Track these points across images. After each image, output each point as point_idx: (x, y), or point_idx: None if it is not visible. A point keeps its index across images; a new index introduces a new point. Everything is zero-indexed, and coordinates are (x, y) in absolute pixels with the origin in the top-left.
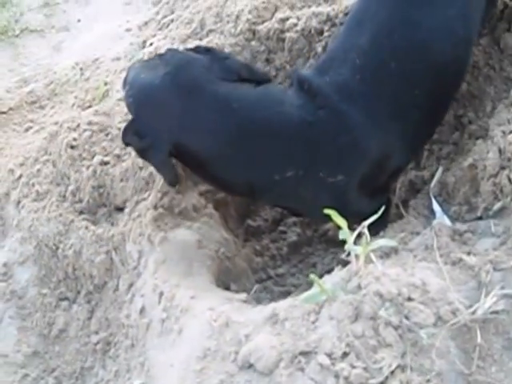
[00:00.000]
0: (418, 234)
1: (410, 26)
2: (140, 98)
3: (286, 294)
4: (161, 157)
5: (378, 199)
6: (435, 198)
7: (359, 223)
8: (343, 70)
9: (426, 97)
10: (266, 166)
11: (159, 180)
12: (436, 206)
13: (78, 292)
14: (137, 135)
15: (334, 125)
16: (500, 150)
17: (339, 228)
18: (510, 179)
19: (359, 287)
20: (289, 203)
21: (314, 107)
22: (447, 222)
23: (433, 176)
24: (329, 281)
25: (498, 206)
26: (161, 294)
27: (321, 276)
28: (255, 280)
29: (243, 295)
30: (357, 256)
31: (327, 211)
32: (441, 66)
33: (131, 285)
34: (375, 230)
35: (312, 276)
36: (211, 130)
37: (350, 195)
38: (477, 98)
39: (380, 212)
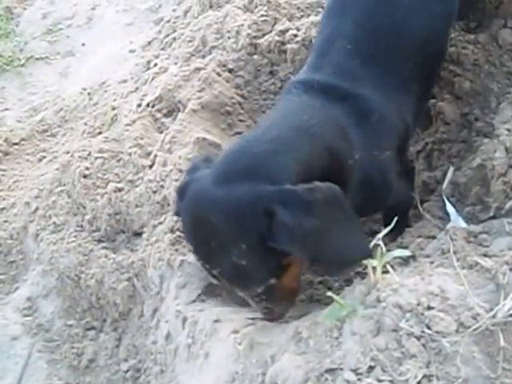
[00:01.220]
0: (433, 237)
1: (389, 7)
2: None
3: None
4: None
5: (409, 173)
6: (448, 199)
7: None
8: (340, 60)
9: (419, 69)
10: None
11: (173, 202)
12: (450, 208)
13: (104, 320)
14: None
15: (360, 110)
16: (507, 149)
17: None
18: None
19: (378, 300)
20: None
21: (334, 102)
22: (462, 223)
23: (445, 176)
24: (348, 295)
25: (509, 204)
26: (184, 319)
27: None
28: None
29: None
30: (374, 268)
31: None
32: (424, 40)
33: (155, 310)
34: (399, 229)
35: (329, 294)
36: None
37: (394, 170)
38: (481, 95)
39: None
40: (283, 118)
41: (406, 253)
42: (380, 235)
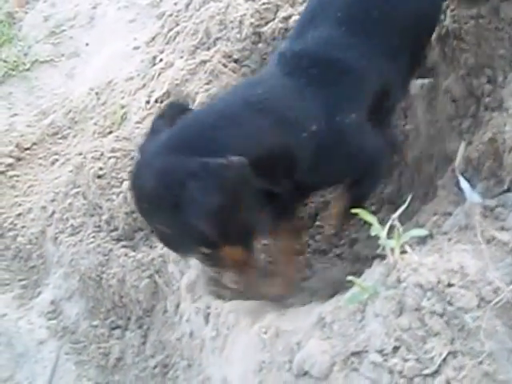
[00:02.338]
0: (449, 214)
1: None
2: None
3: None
4: None
5: (385, 133)
6: (462, 174)
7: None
8: (326, 27)
9: (411, 38)
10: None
11: None
12: (464, 183)
13: (129, 318)
14: None
15: (329, 72)
16: None
17: (370, 225)
18: None
19: (399, 281)
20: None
21: (301, 70)
22: (477, 198)
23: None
24: (369, 278)
25: None
26: (206, 313)
27: (360, 273)
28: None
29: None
30: (392, 250)
31: (355, 210)
32: (416, 10)
33: (178, 305)
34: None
35: (350, 278)
36: None
37: (364, 131)
38: (487, 69)
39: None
40: (237, 92)
41: (423, 232)
42: (395, 215)
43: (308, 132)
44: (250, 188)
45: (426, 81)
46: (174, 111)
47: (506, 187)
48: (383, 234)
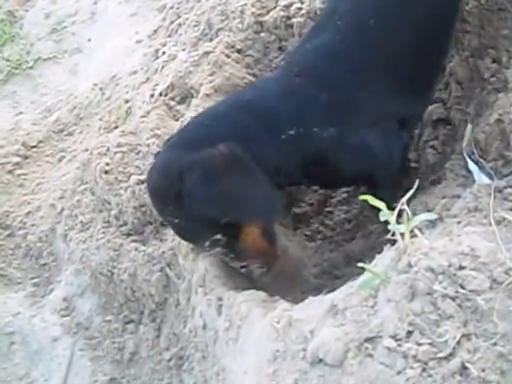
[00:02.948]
0: (458, 197)
1: None
2: None
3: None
4: None
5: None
6: (469, 157)
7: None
8: (325, 34)
9: (414, 45)
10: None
11: None
12: (472, 166)
13: (142, 313)
14: None
15: (316, 85)
16: None
17: (379, 210)
18: None
19: (410, 265)
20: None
21: (292, 78)
22: (485, 179)
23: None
24: (379, 263)
25: None
26: (218, 304)
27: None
28: (313, 265)
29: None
30: (402, 234)
31: (363, 197)
32: (423, 16)
33: (190, 298)
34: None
35: (361, 264)
36: None
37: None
38: (491, 50)
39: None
40: (238, 95)
41: (432, 216)
42: (404, 199)
43: (286, 135)
44: (246, 168)
45: None
46: None
47: None
48: (392, 219)
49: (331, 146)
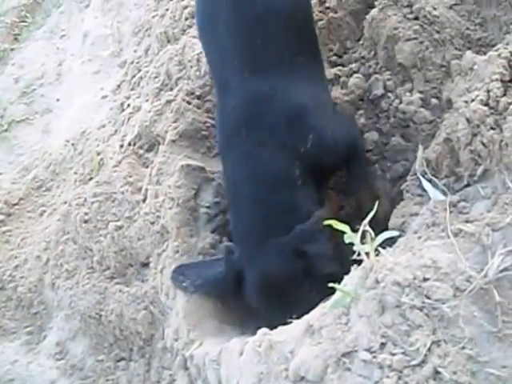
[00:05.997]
0: (417, 214)
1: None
2: None
3: None
4: None
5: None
6: (423, 176)
7: None
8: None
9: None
10: None
11: (171, 229)
12: (426, 184)
13: (131, 350)
14: None
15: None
16: (467, 120)
17: (343, 233)
18: (483, 143)
19: (377, 281)
20: None
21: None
22: (440, 196)
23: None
24: (349, 282)
25: (480, 170)
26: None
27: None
28: None
29: None
30: (367, 254)
31: (327, 222)
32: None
33: (175, 331)
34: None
35: (332, 284)
36: None
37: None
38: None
39: None
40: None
41: (394, 233)
42: (365, 221)
43: None
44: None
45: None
46: None
47: (465, 182)
48: (357, 240)
49: None
